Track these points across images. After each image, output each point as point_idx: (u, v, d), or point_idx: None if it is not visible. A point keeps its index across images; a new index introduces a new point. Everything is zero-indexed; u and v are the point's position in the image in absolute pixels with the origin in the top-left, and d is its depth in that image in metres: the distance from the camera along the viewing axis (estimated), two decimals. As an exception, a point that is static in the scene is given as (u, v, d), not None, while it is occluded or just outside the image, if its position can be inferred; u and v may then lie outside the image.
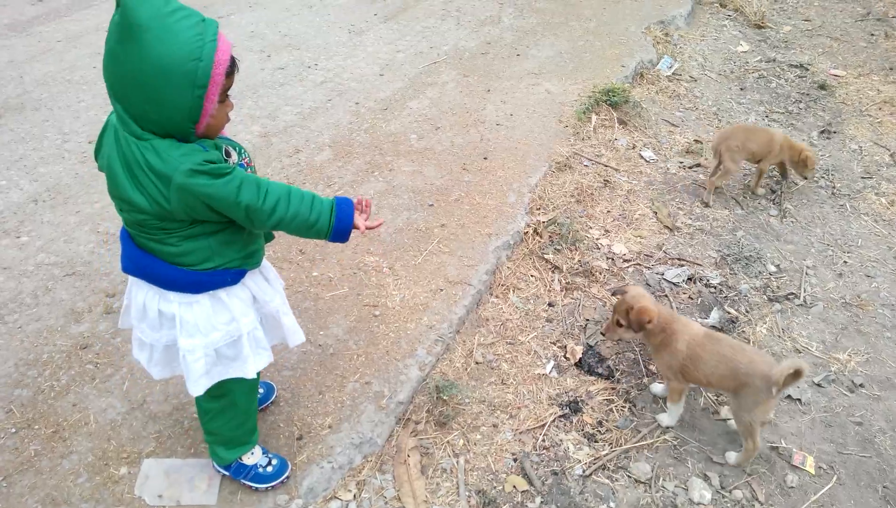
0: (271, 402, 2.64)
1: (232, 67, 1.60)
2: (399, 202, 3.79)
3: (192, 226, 1.71)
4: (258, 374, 2.19)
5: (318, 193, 1.90)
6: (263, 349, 2.05)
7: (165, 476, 2.40)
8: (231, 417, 2.20)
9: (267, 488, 2.34)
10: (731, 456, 2.67)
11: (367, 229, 1.99)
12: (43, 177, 3.89)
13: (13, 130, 4.34)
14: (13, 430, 2.49)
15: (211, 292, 1.84)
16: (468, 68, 5.41)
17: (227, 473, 2.35)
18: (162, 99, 1.50)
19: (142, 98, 1.50)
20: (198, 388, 1.94)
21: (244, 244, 1.88)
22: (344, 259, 3.38)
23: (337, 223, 1.89)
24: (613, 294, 2.86)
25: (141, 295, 1.86)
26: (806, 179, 4.30)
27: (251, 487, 2.34)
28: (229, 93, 1.68)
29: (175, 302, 1.83)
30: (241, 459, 2.31)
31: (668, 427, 2.79)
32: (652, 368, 3.07)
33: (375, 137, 4.43)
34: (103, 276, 3.23)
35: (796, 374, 2.38)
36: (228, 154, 1.78)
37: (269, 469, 2.35)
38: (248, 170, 1.84)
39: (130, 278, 1.91)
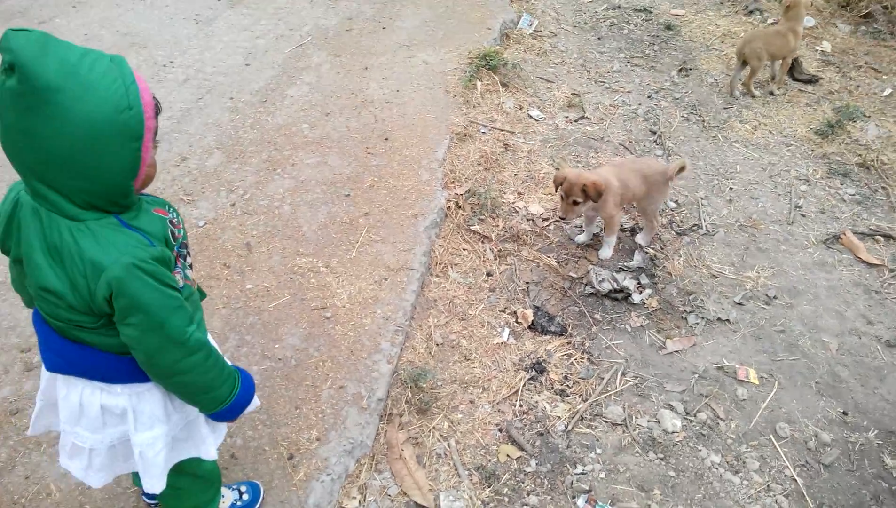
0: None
1: (157, 106, 1.37)
2: (314, 197, 3.68)
3: None
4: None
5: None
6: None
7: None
8: (200, 487, 2.03)
9: None
10: (640, 238, 3.69)
11: None
12: None
13: None
14: (-34, 523, 2.21)
15: None
16: (337, 47, 5.27)
17: None
18: (97, 166, 1.27)
19: (71, 171, 1.26)
20: (160, 484, 1.70)
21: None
22: (274, 266, 3.25)
23: (240, 395, 1.67)
24: (557, 186, 3.30)
25: (75, 394, 1.58)
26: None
27: None
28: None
29: (124, 395, 1.59)
30: None
31: (607, 260, 3.57)
32: (597, 316, 3.26)
33: (264, 131, 4.23)
34: (8, 330, 2.88)
35: (682, 169, 3.45)
36: (173, 235, 1.54)
37: (245, 497, 2.26)
38: (178, 233, 1.59)
39: (49, 377, 1.65)
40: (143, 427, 1.63)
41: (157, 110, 1.37)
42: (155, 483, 1.69)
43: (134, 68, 1.32)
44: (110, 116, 1.24)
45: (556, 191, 3.31)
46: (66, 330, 1.49)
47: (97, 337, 1.49)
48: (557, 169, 4.19)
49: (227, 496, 2.22)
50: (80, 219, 1.33)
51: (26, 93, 1.18)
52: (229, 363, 1.69)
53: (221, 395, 1.62)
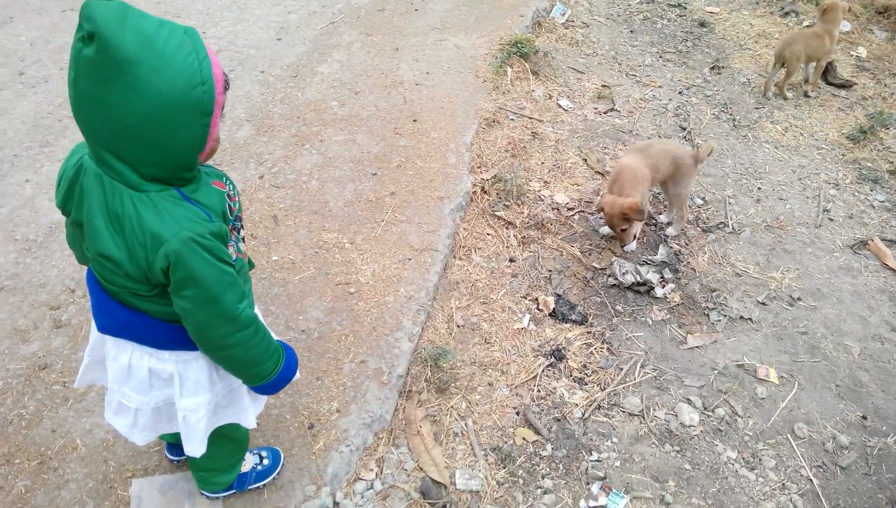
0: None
1: (227, 80, 1.37)
2: (341, 174, 3.69)
3: None
4: None
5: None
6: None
7: (161, 494, 2.27)
8: (231, 450, 2.07)
9: (274, 478, 2.29)
10: (671, 230, 3.72)
11: None
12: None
13: None
14: (-8, 470, 2.26)
15: None
16: (369, 27, 5.27)
17: (226, 494, 2.22)
18: (166, 139, 1.27)
19: (141, 143, 1.26)
20: (201, 448, 1.75)
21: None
22: (300, 240, 3.26)
23: (283, 370, 1.70)
24: (601, 212, 3.43)
25: (125, 356, 1.62)
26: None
27: (261, 486, 2.27)
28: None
29: (171, 361, 1.62)
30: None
31: (632, 250, 3.60)
32: (619, 308, 3.26)
33: (294, 106, 4.25)
34: (38, 288, 2.92)
35: (710, 152, 3.62)
36: (231, 208, 1.55)
37: (266, 462, 2.29)
38: (234, 206, 1.60)
39: (98, 336, 1.69)
40: (188, 393, 1.67)
41: (227, 85, 1.37)
42: (196, 447, 1.73)
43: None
44: (184, 91, 1.23)
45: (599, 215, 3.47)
46: (119, 295, 1.51)
47: (150, 305, 1.51)
48: (586, 159, 4.17)
49: (248, 459, 2.25)
50: (142, 190, 1.33)
51: (103, 63, 1.17)
52: (275, 337, 1.71)
53: (266, 370, 1.64)
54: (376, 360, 2.76)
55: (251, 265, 1.84)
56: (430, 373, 2.80)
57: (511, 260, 3.44)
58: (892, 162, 4.50)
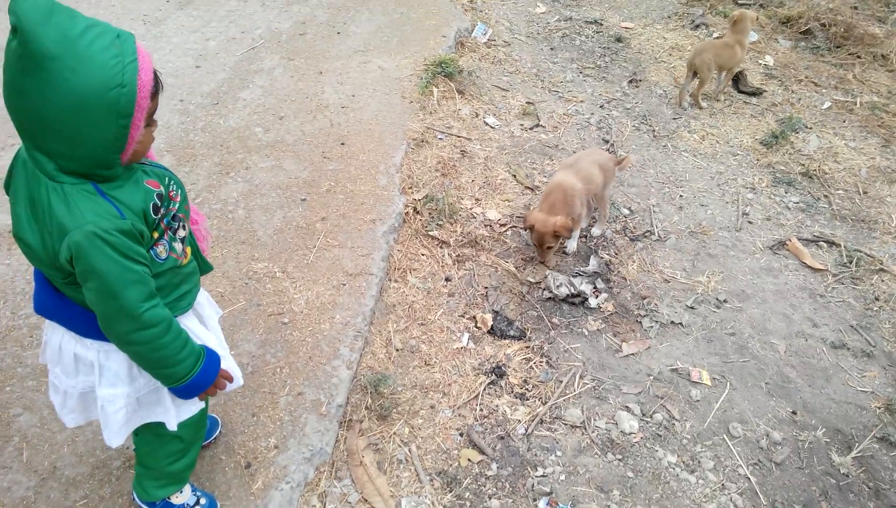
0: (214, 438, 2.45)
1: (156, 86, 1.42)
2: (269, 201, 3.61)
3: None
4: (206, 404, 2.02)
5: None
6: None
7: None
8: (173, 451, 2.02)
9: None
10: (595, 230, 3.85)
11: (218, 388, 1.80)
12: None
13: None
14: None
15: None
16: (291, 51, 5.21)
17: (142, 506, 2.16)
18: (80, 136, 1.32)
19: (55, 136, 1.32)
20: (117, 439, 1.77)
21: (171, 289, 1.69)
22: (229, 271, 3.17)
23: (201, 373, 1.68)
24: (528, 230, 3.43)
25: (56, 337, 1.67)
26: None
27: None
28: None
29: (93, 349, 1.66)
30: (168, 499, 2.12)
31: (573, 252, 3.72)
32: (555, 320, 3.28)
33: (216, 134, 4.14)
34: None
35: (627, 160, 3.88)
36: (157, 208, 1.55)
37: (202, 505, 2.20)
38: (173, 206, 1.62)
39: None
40: (107, 383, 1.69)
41: (156, 90, 1.42)
42: (112, 437, 1.76)
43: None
44: (100, 91, 1.28)
45: (529, 236, 3.45)
46: (50, 278, 1.57)
47: (68, 290, 1.56)
48: (515, 175, 4.22)
49: (186, 492, 2.16)
50: (57, 180, 1.38)
51: (24, 56, 1.25)
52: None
53: (178, 373, 1.63)
54: (314, 391, 2.69)
55: (207, 267, 1.92)
56: (370, 400, 2.74)
57: (447, 279, 3.43)
58: (803, 165, 4.73)
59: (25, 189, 1.42)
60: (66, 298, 1.58)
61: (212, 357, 1.73)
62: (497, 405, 2.87)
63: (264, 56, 5.11)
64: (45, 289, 1.61)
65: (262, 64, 4.99)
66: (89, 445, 2.37)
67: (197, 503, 2.19)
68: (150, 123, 1.49)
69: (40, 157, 1.36)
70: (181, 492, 2.15)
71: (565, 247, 3.72)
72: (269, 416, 2.57)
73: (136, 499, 2.16)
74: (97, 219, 1.38)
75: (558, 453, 2.70)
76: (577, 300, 3.39)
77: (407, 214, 3.69)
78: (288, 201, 3.63)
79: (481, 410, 2.83)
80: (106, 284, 1.42)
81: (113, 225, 1.40)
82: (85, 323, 1.60)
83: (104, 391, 1.69)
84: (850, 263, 3.90)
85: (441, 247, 3.60)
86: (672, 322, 3.35)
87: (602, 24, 6.52)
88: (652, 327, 3.33)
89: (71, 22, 1.27)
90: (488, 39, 5.90)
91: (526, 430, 2.77)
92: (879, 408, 3.08)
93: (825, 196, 4.50)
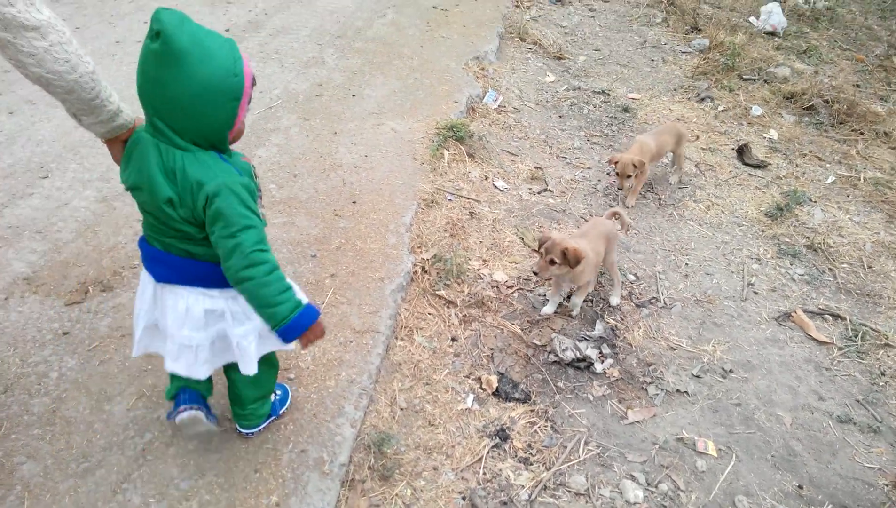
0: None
1: (254, 78, 1.81)
2: (280, 257, 3.66)
3: None
4: None
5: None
6: None
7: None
8: (272, 375, 2.51)
9: (282, 412, 2.73)
10: (613, 299, 3.89)
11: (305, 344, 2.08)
12: None
13: None
14: None
15: None
16: (307, 111, 5.36)
17: (259, 429, 2.63)
18: (205, 113, 1.71)
19: (185, 114, 1.70)
20: (254, 366, 2.16)
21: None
22: (238, 323, 3.19)
23: (297, 318, 1.95)
24: (540, 245, 3.43)
25: (182, 301, 2.00)
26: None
27: (273, 418, 2.68)
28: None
29: (220, 298, 2.04)
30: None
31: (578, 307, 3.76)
32: (560, 384, 3.28)
33: (231, 190, 4.22)
34: None
35: (623, 221, 4.07)
36: (254, 176, 1.95)
37: (279, 393, 2.73)
38: (257, 182, 1.99)
39: (150, 297, 2.08)
40: (238, 323, 2.09)
41: (254, 82, 1.81)
42: (250, 366, 2.15)
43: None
44: (222, 78, 1.68)
45: (538, 249, 3.44)
46: (173, 245, 1.92)
47: (199, 248, 1.92)
48: (522, 238, 4.28)
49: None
50: (188, 150, 1.77)
51: (164, 53, 1.60)
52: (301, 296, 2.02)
53: (279, 314, 1.90)
54: (317, 448, 2.67)
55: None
56: (373, 460, 2.73)
57: (453, 339, 3.44)
58: (808, 237, 4.78)
59: (159, 163, 1.76)
60: (188, 258, 1.94)
61: (310, 308, 2.00)
62: (500, 469, 2.84)
63: (281, 115, 5.25)
64: (167, 257, 1.95)
65: (279, 123, 5.13)
66: (91, 496, 2.36)
67: (275, 395, 2.70)
68: (248, 108, 1.87)
69: (171, 134, 1.74)
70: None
71: (571, 311, 3.73)
72: (271, 472, 2.55)
73: (250, 432, 2.61)
74: (225, 176, 1.77)
75: (561, 521, 2.66)
76: (582, 365, 3.39)
77: (415, 273, 3.74)
78: (299, 257, 3.68)
79: (484, 473, 2.81)
80: (228, 225, 1.77)
81: (237, 180, 1.79)
82: (212, 276, 1.96)
83: (238, 330, 2.08)
84: (856, 337, 3.90)
85: (448, 307, 3.63)
86: (678, 390, 3.34)
87: (610, 95, 6.69)
88: (657, 394, 3.32)
89: (197, 27, 1.66)
90: (499, 106, 6.06)
91: (529, 496, 2.73)
92: (887, 485, 3.04)
93: (830, 269, 4.53)
